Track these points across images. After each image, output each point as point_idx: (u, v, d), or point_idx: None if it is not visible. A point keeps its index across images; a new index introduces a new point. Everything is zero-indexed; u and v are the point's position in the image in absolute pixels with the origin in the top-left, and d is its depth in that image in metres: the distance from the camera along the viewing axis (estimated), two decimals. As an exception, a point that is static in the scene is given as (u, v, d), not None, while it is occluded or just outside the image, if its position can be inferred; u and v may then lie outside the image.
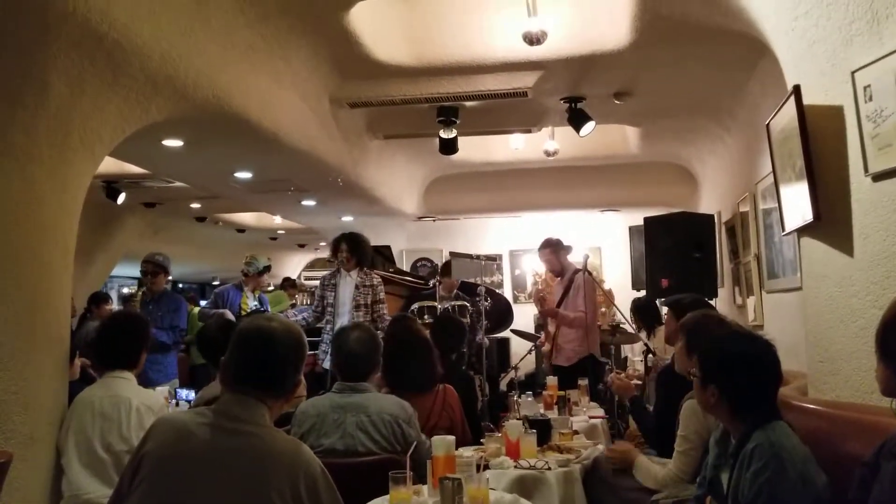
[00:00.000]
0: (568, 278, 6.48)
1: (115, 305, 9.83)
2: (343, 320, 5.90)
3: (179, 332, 6.12)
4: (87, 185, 3.78)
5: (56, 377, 3.50)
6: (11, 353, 3.20)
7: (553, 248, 6.57)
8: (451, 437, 2.91)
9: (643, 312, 6.61)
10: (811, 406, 2.86)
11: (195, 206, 9.86)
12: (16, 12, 2.95)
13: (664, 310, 7.77)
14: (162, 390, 4.83)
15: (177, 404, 4.51)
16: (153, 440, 2.05)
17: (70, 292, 3.71)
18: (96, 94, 3.55)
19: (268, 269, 7.41)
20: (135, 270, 15.34)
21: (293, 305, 9.30)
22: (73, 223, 3.67)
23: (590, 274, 6.56)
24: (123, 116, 3.84)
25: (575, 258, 6.74)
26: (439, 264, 7.92)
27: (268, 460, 1.98)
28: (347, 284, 6.13)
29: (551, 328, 6.58)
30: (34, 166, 3.34)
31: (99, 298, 7.81)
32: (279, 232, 12.99)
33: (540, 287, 8.67)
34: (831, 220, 2.86)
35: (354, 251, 6.13)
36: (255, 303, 7.11)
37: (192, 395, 4.61)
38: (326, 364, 5.79)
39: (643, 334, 6.52)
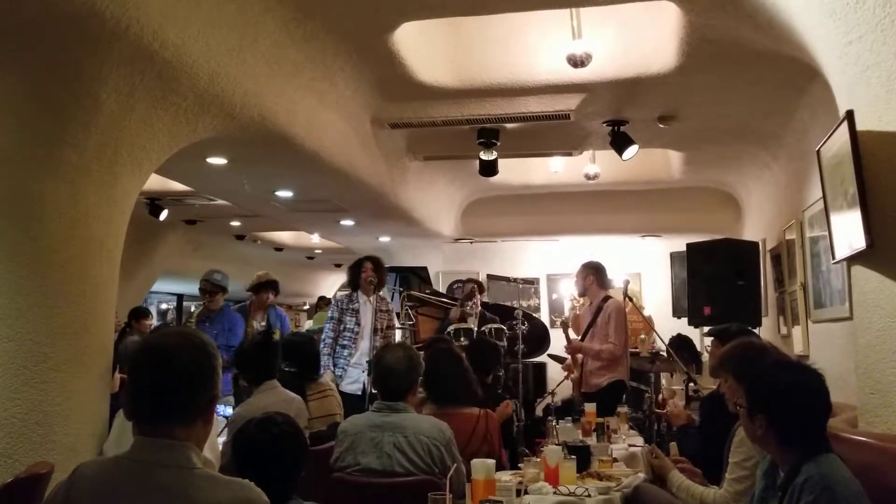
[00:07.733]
0: (596, 305, 6.36)
1: (154, 321, 9.90)
2: (364, 344, 5.98)
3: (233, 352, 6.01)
4: (134, 200, 3.84)
5: (98, 390, 3.54)
6: (57, 365, 3.24)
7: (588, 268, 6.41)
8: (492, 461, 2.88)
9: (683, 349, 6.41)
10: (862, 439, 2.78)
11: (235, 223, 9.96)
12: (69, 29, 3.02)
13: (706, 340, 7.65)
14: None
15: None
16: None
17: (115, 307, 3.75)
18: (146, 111, 3.61)
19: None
20: (174, 287, 15.57)
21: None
22: (120, 238, 3.72)
23: (631, 300, 6.45)
24: (171, 134, 3.90)
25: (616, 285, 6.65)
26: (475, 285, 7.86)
27: None
28: (367, 310, 6.13)
29: (579, 356, 6.49)
30: (83, 181, 3.40)
31: (139, 313, 7.87)
32: (316, 251, 13.03)
33: (577, 313, 8.57)
34: (885, 249, 2.79)
35: (378, 273, 6.16)
36: (265, 323, 6.61)
37: (228, 410, 4.64)
38: (343, 387, 5.83)
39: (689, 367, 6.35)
